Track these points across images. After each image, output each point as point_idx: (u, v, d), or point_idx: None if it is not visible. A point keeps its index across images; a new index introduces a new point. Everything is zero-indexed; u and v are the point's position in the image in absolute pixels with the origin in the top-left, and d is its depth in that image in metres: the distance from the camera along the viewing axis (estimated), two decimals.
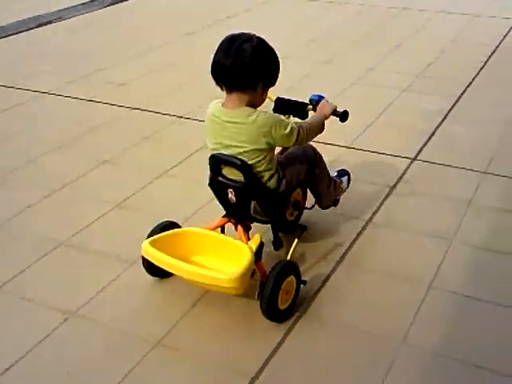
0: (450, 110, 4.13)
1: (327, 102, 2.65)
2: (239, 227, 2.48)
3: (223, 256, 2.37)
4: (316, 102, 2.64)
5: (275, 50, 2.36)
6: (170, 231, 2.47)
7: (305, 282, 2.45)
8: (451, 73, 4.78)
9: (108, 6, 7.05)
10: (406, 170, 3.40)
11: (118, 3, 7.13)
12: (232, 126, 2.31)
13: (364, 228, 2.89)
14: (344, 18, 6.36)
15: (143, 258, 2.48)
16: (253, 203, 2.41)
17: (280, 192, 2.47)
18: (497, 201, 3.11)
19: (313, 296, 2.48)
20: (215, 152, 2.39)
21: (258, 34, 2.36)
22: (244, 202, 2.42)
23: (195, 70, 4.56)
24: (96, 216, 3.02)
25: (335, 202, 2.88)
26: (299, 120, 2.58)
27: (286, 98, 2.70)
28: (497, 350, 2.22)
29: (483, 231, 2.87)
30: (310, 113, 2.65)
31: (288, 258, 2.47)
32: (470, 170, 3.38)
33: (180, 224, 2.60)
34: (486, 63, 4.99)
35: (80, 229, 2.92)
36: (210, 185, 2.48)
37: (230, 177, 2.40)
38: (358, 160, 3.47)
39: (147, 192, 3.24)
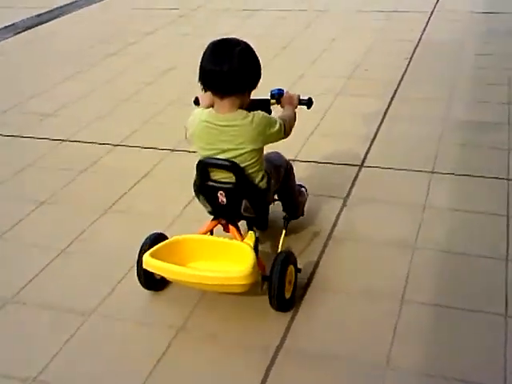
0: (387, 110, 4.13)
1: (288, 93, 2.69)
2: (231, 227, 2.55)
3: (224, 258, 2.42)
4: (278, 95, 2.67)
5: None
6: (166, 241, 2.49)
7: (300, 270, 2.55)
8: (380, 72, 4.80)
9: (20, 32, 6.72)
10: (356, 178, 3.35)
11: (31, 28, 6.81)
12: (230, 129, 2.37)
13: (325, 245, 2.82)
14: (264, 26, 6.31)
15: (139, 272, 2.52)
16: (244, 202, 2.48)
17: (269, 191, 2.57)
18: (449, 200, 3.11)
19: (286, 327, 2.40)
20: (202, 157, 2.44)
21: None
22: (235, 202, 2.47)
23: (120, 95, 4.39)
24: (40, 267, 2.80)
25: (303, 212, 2.96)
26: None
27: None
28: (479, 360, 2.19)
29: (443, 233, 2.85)
30: (273, 107, 2.66)
31: (279, 248, 2.57)
32: (418, 171, 3.37)
33: (167, 236, 2.58)
34: (411, 59, 5.04)
35: (24, 284, 2.70)
36: (198, 190, 2.53)
37: (219, 179, 2.45)
38: (306, 172, 3.39)
39: (93, 232, 3.05)
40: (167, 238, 2.54)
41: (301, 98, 2.69)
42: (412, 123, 3.93)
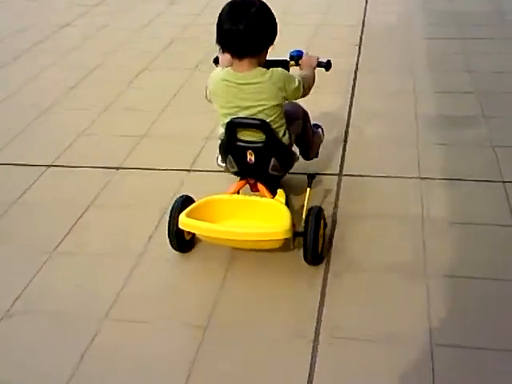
0: (351, 107, 3.74)
1: (308, 54, 2.76)
2: (260, 185, 2.60)
3: (257, 215, 2.47)
4: (297, 56, 2.72)
5: None
6: (199, 201, 2.51)
7: (327, 225, 2.62)
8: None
9: None
10: (338, 189, 2.96)
11: None
12: (250, 87, 2.41)
13: (325, 284, 2.40)
14: (193, 14, 5.78)
15: (172, 234, 2.53)
16: (272, 160, 2.52)
17: (292, 145, 2.66)
18: (449, 211, 2.77)
19: None
20: (231, 117, 2.45)
21: None
22: (264, 160, 2.52)
23: (43, 101, 3.78)
24: None
25: (317, 154, 3.02)
26: None
27: (268, 58, 2.63)
28: None
29: (454, 253, 2.52)
30: (292, 68, 2.68)
31: (305, 207, 2.54)
32: (405, 177, 3.02)
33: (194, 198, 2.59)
34: (360, 46, 4.69)
35: None
36: (226, 151, 2.55)
37: (248, 139, 2.48)
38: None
39: (39, 286, 2.48)
40: (194, 201, 2.57)
41: (320, 60, 2.75)
42: (382, 121, 3.57)
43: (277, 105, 2.45)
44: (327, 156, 3.21)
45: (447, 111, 3.64)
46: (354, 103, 3.79)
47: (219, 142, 2.59)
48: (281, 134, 2.52)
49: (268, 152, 2.49)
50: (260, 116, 2.43)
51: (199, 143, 3.44)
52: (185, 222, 2.41)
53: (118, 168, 3.26)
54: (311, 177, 2.72)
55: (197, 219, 2.40)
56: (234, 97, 2.44)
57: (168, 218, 2.53)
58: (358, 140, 3.39)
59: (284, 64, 2.64)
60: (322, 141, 3.05)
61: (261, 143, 2.47)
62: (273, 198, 2.53)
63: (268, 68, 2.46)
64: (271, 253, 2.53)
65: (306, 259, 2.47)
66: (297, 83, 2.47)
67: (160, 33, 5.27)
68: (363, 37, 4.85)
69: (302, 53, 2.74)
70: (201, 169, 3.19)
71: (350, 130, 3.50)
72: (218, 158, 2.70)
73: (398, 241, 2.60)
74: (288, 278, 2.46)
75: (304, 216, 2.49)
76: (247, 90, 2.41)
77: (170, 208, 2.55)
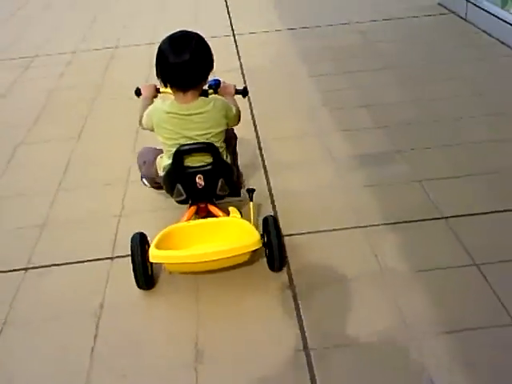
0: (264, 162, 3.56)
1: (225, 83, 2.81)
2: (212, 207, 2.69)
3: (222, 235, 2.52)
4: (215, 85, 2.74)
5: None
6: (162, 233, 2.48)
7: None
8: None
9: None
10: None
11: None
12: (196, 116, 2.50)
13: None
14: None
15: (139, 272, 2.48)
16: (220, 181, 2.62)
17: (235, 166, 2.82)
18: (405, 259, 2.62)
19: None
20: (177, 145, 2.50)
21: None
22: (212, 182, 2.61)
23: None
24: None
25: (239, 193, 2.97)
26: None
27: None
28: None
29: (430, 308, 2.36)
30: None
31: (252, 220, 2.67)
32: (346, 228, 2.85)
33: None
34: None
35: None
36: (175, 180, 2.60)
37: (195, 164, 2.56)
38: None
39: None
40: (146, 237, 2.56)
41: (237, 87, 2.83)
42: (301, 172, 3.38)
43: (222, 131, 2.58)
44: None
45: (362, 150, 3.55)
46: (264, 157, 3.58)
47: (161, 173, 2.66)
48: (224, 155, 2.64)
49: (216, 173, 2.59)
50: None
51: (112, 222, 3.05)
52: (156, 254, 2.38)
53: (25, 269, 2.79)
54: (251, 191, 2.84)
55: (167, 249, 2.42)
56: (181, 128, 2.50)
57: (131, 257, 2.48)
58: (281, 197, 3.17)
59: (204, 93, 2.64)
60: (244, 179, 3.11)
61: (209, 165, 2.56)
62: (227, 216, 2.64)
63: None
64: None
65: (272, 266, 2.55)
66: (235, 110, 2.65)
67: (24, 102, 4.77)
68: (247, 82, 4.69)
69: (220, 81, 2.78)
70: (125, 253, 2.82)
71: (271, 187, 3.28)
72: (143, 179, 2.99)
73: (368, 304, 2.41)
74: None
75: (260, 227, 2.60)
76: (194, 120, 2.49)
77: (130, 247, 2.50)
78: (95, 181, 3.47)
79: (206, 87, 2.67)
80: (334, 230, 2.85)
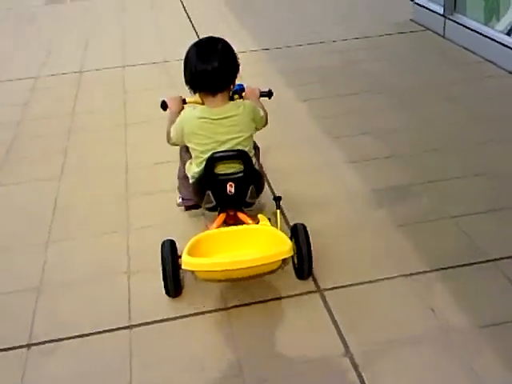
0: None
1: (249, 87, 2.80)
2: (241, 214, 2.67)
3: (252, 243, 2.47)
4: (240, 90, 2.75)
5: None
6: (193, 240, 2.43)
7: None
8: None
9: None
10: (331, 314, 2.42)
11: None
12: (228, 120, 2.51)
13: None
14: None
15: (169, 280, 2.47)
16: (250, 188, 2.60)
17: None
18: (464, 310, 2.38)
19: None
20: (210, 152, 2.49)
21: None
22: (243, 189, 2.59)
23: None
24: None
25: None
26: None
27: None
28: None
29: None
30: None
31: (278, 227, 2.61)
32: (392, 277, 2.59)
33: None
34: None
35: None
36: (205, 187, 2.57)
37: (227, 171, 2.54)
38: None
39: None
40: (175, 243, 2.54)
41: (261, 90, 2.82)
42: (328, 209, 3.11)
43: (250, 135, 2.60)
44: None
45: (377, 183, 3.30)
46: (275, 192, 3.27)
47: (191, 180, 2.64)
48: (254, 161, 2.63)
49: (247, 181, 2.58)
50: (238, 147, 2.53)
51: (122, 281, 2.68)
52: (189, 261, 2.33)
53: (28, 346, 2.38)
54: (278, 199, 2.78)
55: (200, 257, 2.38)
56: (213, 132, 2.51)
57: (162, 265, 2.46)
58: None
59: (230, 99, 2.66)
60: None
61: (240, 173, 2.55)
62: (257, 223, 2.62)
63: None
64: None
65: (301, 275, 2.56)
66: (262, 113, 2.67)
67: None
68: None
69: (243, 86, 2.77)
70: (145, 320, 2.45)
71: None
72: (179, 198, 3.01)
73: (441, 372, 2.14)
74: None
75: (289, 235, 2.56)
76: (225, 124, 2.50)
77: (161, 255, 2.48)
78: (89, 229, 3.08)
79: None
80: (376, 280, 2.58)
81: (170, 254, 2.46)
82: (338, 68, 5.05)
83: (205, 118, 2.49)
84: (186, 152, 2.79)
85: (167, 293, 2.51)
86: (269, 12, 6.88)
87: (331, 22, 6.29)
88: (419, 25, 5.92)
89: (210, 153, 2.49)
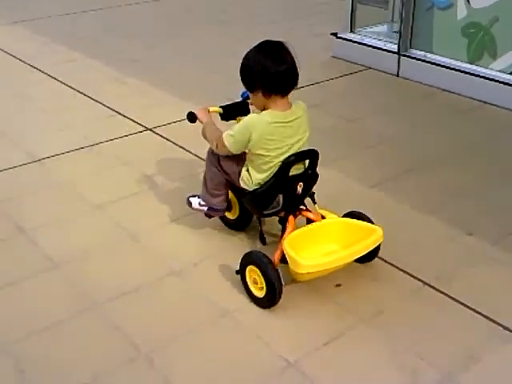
0: None
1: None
2: (307, 213, 2.74)
3: (336, 236, 2.61)
4: (247, 96, 2.79)
5: None
6: (287, 242, 2.46)
7: None
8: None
9: None
10: None
11: None
12: (296, 122, 2.58)
13: None
14: None
15: (278, 285, 2.46)
16: (312, 185, 2.73)
17: None
18: None
19: None
20: (282, 156, 2.54)
21: None
22: (308, 187, 2.70)
23: None
24: None
25: None
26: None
27: (228, 103, 2.89)
28: None
29: None
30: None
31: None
32: None
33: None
34: None
35: None
36: (277, 191, 2.59)
37: (295, 172, 2.60)
38: None
39: None
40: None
41: None
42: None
43: (308, 134, 2.65)
44: None
45: None
46: None
47: (254, 187, 2.63)
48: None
49: (313, 178, 2.67)
50: (304, 148, 2.60)
51: None
52: (307, 263, 2.37)
53: None
54: (312, 194, 2.79)
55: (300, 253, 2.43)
56: (285, 136, 2.54)
57: (264, 276, 2.46)
58: None
59: (245, 104, 2.82)
60: None
61: (308, 172, 2.63)
62: (324, 218, 2.67)
63: (231, 113, 2.78)
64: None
65: (371, 257, 2.68)
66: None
67: None
68: None
69: (248, 93, 2.77)
70: None
71: None
72: (198, 202, 2.96)
73: None
74: None
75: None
76: (294, 126, 2.56)
77: (260, 263, 2.48)
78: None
79: (240, 100, 2.89)
80: None
81: (268, 261, 2.47)
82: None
83: (277, 122, 2.51)
84: (213, 156, 2.79)
85: (273, 295, 2.54)
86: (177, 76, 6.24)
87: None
88: (345, 61, 5.67)
89: (283, 157, 2.53)
